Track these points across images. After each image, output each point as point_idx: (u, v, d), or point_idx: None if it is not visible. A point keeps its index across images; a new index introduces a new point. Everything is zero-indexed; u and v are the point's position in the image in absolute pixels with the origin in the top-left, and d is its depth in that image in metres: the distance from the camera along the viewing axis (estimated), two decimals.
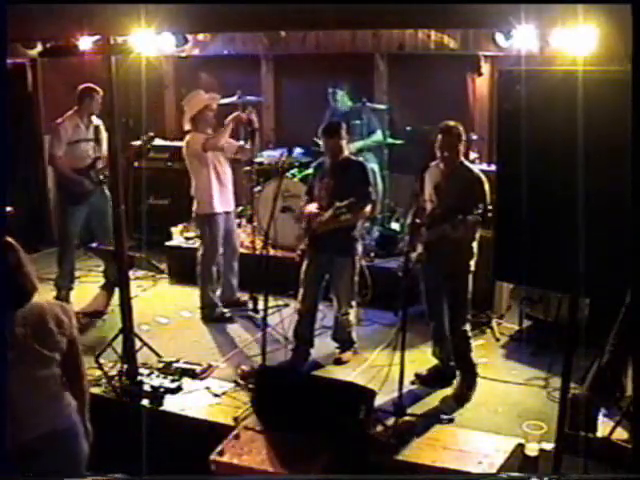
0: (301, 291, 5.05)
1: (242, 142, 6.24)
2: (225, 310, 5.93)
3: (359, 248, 5.06)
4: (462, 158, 4.47)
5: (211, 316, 5.89)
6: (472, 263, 4.45)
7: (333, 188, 4.89)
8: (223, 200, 5.81)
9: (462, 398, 4.49)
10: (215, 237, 5.81)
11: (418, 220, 4.36)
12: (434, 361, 4.82)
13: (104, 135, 6.11)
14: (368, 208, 4.92)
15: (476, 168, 4.57)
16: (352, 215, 4.74)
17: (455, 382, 4.61)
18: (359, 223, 5.01)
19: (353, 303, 5.12)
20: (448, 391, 4.60)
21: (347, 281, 5.00)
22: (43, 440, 2.76)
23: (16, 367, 2.68)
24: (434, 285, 4.55)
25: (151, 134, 6.35)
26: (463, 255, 4.41)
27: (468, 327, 4.55)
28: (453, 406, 4.43)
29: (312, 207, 4.98)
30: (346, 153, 5.01)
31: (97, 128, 6.21)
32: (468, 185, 4.34)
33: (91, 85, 6.15)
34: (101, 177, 6.16)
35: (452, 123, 4.40)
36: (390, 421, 4.15)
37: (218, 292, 5.97)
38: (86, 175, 6.13)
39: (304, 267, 5.02)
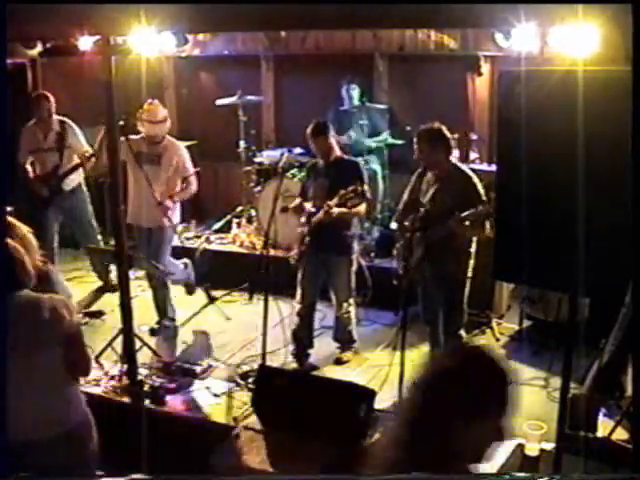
0: (299, 292, 5.04)
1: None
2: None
3: (356, 246, 5.07)
4: (453, 159, 4.37)
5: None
6: (470, 269, 4.36)
7: (329, 187, 4.86)
8: (133, 212, 5.46)
9: None
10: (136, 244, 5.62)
11: (412, 223, 4.31)
12: None
13: (71, 140, 6.06)
14: (363, 207, 4.87)
15: (468, 169, 4.46)
16: (350, 209, 4.69)
17: None
18: (355, 222, 5.00)
19: (352, 301, 5.12)
20: None
21: (346, 280, 5.01)
22: (57, 440, 2.79)
23: (11, 354, 2.67)
24: (430, 289, 4.48)
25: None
26: (461, 259, 4.34)
27: (463, 333, 4.47)
28: None
29: (307, 205, 5.00)
30: (337, 152, 4.98)
31: (59, 135, 6.09)
32: (462, 187, 4.27)
33: (40, 92, 6.12)
34: (65, 183, 6.10)
35: (434, 125, 4.30)
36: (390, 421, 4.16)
37: None
38: (45, 183, 6.10)
39: (302, 268, 5.01)
